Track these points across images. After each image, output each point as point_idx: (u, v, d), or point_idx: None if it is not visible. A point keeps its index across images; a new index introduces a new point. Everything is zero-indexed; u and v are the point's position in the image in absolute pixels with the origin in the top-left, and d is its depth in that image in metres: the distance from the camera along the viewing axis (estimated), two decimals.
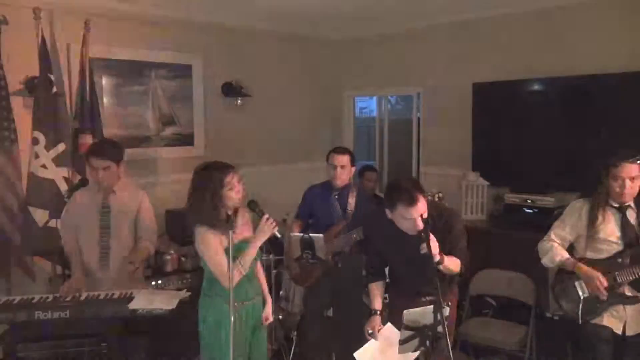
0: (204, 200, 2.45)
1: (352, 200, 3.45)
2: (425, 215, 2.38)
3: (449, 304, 2.16)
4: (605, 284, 2.64)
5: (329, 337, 3.45)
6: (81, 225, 3.06)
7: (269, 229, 2.48)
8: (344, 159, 3.42)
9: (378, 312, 2.67)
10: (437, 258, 2.30)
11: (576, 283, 2.75)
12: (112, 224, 3.06)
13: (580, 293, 2.73)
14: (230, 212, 2.49)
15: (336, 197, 3.47)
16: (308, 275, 3.46)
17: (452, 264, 2.47)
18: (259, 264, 2.78)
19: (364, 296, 3.69)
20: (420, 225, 2.33)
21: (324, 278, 3.41)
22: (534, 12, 4.26)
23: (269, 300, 2.81)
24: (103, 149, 3.06)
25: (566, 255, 2.79)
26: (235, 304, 2.51)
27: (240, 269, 2.45)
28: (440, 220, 2.54)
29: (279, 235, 2.53)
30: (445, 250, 2.43)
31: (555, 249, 2.81)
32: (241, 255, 2.46)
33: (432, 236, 2.31)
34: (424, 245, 2.25)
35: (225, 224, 2.46)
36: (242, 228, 2.63)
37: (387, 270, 2.79)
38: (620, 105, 3.79)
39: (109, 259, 3.04)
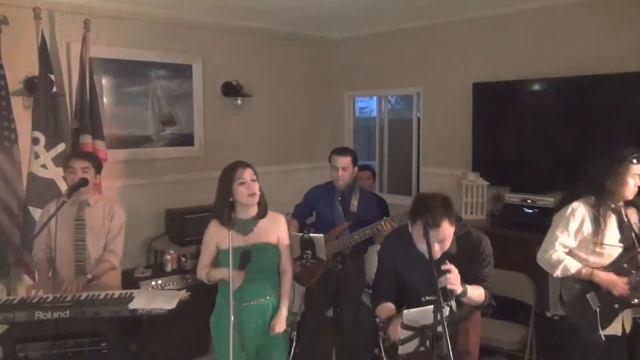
0: (219, 195, 2.61)
1: (355, 202, 3.44)
2: (447, 243, 2.20)
3: (449, 304, 2.12)
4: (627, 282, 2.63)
5: (329, 337, 3.45)
6: (57, 239, 3.01)
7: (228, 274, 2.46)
8: (346, 161, 3.41)
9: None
10: (458, 291, 2.13)
11: (588, 296, 2.67)
12: (86, 238, 3.05)
13: (594, 306, 2.66)
14: (233, 215, 2.57)
15: (339, 198, 3.46)
16: (310, 275, 3.46)
17: (476, 295, 2.28)
18: (284, 269, 2.76)
19: (364, 296, 3.70)
20: (436, 255, 2.13)
21: (324, 278, 3.41)
22: (533, 12, 4.27)
23: (282, 310, 2.69)
24: (83, 153, 3.20)
25: (579, 265, 2.68)
26: (234, 303, 2.56)
27: (205, 278, 2.65)
28: (467, 242, 2.34)
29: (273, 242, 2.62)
30: (470, 277, 2.26)
31: (567, 260, 2.68)
32: (210, 270, 2.65)
33: (453, 268, 2.12)
34: (443, 278, 2.07)
35: (239, 223, 2.58)
36: (262, 233, 2.64)
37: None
38: (620, 105, 3.79)
39: (85, 272, 3.01)
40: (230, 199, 2.57)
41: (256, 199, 2.60)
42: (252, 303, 2.62)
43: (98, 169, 3.15)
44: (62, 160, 3.28)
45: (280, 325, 2.66)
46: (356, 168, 3.50)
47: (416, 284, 2.40)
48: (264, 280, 2.65)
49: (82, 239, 3.04)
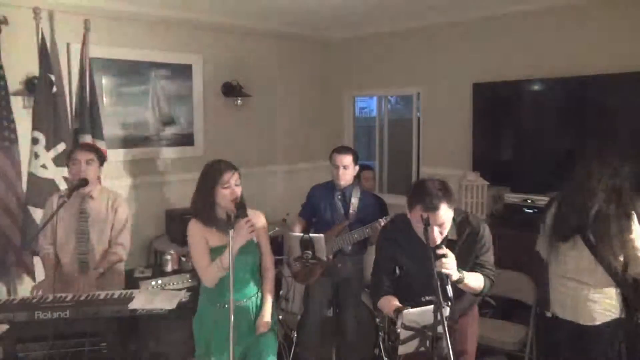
0: (200, 195, 2.55)
1: (355, 201, 3.44)
2: (446, 228, 2.18)
3: (448, 303, 2.11)
4: None
5: (329, 337, 3.45)
6: (59, 232, 3.02)
7: (245, 232, 2.42)
8: (347, 159, 3.41)
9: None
10: (454, 277, 2.11)
11: None
12: (89, 230, 3.06)
13: None
14: (231, 213, 2.49)
15: (339, 197, 3.47)
16: (309, 273, 3.46)
17: (474, 282, 2.24)
18: (266, 267, 2.72)
19: (364, 296, 3.70)
20: (435, 239, 2.12)
21: (324, 278, 3.41)
22: (534, 12, 4.26)
23: (265, 309, 2.64)
24: (88, 145, 3.24)
25: None
26: (218, 304, 2.57)
27: (218, 266, 2.47)
28: (465, 228, 2.32)
29: (255, 240, 2.45)
30: (468, 264, 2.25)
31: None
32: (219, 255, 2.49)
33: (449, 253, 2.10)
34: (438, 262, 2.05)
35: (220, 222, 2.53)
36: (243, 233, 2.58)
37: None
38: (620, 105, 3.79)
39: (88, 264, 3.03)
40: (211, 200, 2.52)
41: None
42: (234, 304, 2.54)
43: (101, 162, 3.17)
44: (66, 153, 3.27)
45: (265, 324, 2.61)
46: (357, 167, 3.50)
47: (415, 271, 2.38)
48: (246, 281, 2.60)
49: (85, 232, 3.05)
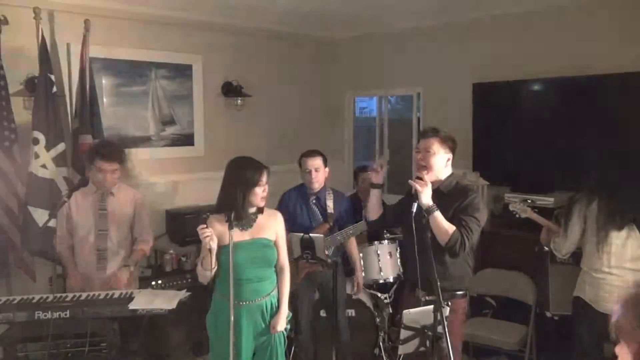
0: (235, 194, 2.52)
1: (330, 203, 3.43)
2: (430, 159, 2.50)
3: (449, 303, 2.12)
4: None
5: (327, 337, 3.45)
6: (78, 227, 3.06)
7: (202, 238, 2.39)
8: (317, 162, 3.40)
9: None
10: (424, 201, 2.34)
11: None
12: (109, 226, 3.07)
13: None
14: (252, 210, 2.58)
15: (314, 201, 3.45)
16: (295, 272, 3.44)
17: (444, 223, 2.39)
18: (282, 266, 2.74)
19: (364, 296, 3.70)
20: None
21: (306, 280, 3.39)
22: (534, 12, 4.26)
23: (282, 308, 2.68)
24: (112, 153, 3.10)
25: None
26: (236, 302, 2.55)
27: (199, 269, 2.49)
28: (456, 189, 2.57)
29: (207, 247, 2.37)
30: (449, 211, 2.44)
31: None
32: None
33: (428, 182, 2.38)
34: (415, 181, 2.35)
35: (247, 219, 2.58)
36: (261, 229, 2.63)
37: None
38: (620, 105, 3.79)
39: (107, 260, 3.04)
40: (247, 198, 2.56)
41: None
42: (250, 302, 2.59)
43: (124, 162, 3.18)
44: (89, 156, 3.18)
45: (282, 323, 2.65)
46: (327, 169, 3.49)
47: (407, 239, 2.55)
48: (263, 278, 2.63)
49: (105, 228, 3.07)
